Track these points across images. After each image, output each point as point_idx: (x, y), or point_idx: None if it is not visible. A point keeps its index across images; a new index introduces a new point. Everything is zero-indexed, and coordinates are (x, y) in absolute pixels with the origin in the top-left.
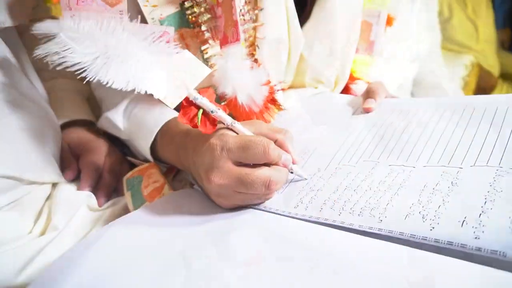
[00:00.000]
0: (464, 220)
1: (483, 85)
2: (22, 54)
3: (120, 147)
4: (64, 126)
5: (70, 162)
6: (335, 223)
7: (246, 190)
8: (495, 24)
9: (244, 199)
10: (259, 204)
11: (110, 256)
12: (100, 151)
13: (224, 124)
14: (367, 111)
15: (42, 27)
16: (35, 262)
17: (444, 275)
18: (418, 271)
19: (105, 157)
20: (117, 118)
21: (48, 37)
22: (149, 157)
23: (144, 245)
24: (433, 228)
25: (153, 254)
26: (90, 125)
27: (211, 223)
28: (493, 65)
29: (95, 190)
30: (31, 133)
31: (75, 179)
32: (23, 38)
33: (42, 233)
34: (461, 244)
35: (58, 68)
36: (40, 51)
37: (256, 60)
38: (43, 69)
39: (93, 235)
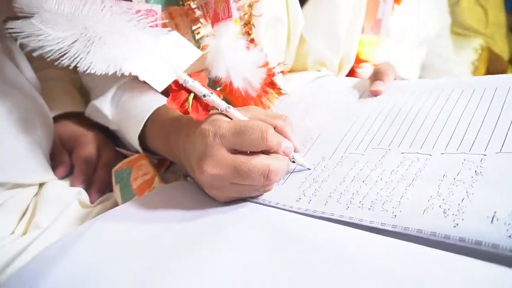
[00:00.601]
0: (494, 216)
1: (493, 70)
2: (10, 43)
3: (113, 140)
4: (56, 119)
5: (62, 157)
6: (342, 219)
7: (243, 181)
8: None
9: (240, 191)
10: (257, 197)
11: (97, 250)
12: (94, 145)
13: (218, 109)
14: (375, 94)
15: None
16: (18, 262)
17: (450, 271)
18: (422, 267)
19: (99, 151)
20: (105, 107)
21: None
22: (137, 146)
23: (133, 240)
24: (457, 224)
25: (142, 249)
26: (83, 118)
27: (205, 217)
28: (503, 49)
29: (88, 186)
30: (16, 127)
31: (68, 175)
32: None
33: (25, 232)
34: (493, 244)
35: (34, 54)
36: (12, 27)
37: (252, 40)
38: (36, 58)
39: (78, 229)
